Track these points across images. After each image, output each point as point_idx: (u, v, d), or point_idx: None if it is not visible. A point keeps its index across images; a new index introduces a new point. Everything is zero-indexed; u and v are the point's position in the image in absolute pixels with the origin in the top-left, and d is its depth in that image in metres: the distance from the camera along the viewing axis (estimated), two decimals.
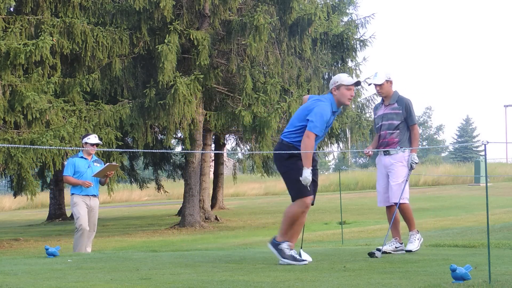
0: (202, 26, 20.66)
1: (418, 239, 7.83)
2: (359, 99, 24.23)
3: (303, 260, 6.87)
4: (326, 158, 76.61)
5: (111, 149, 18.22)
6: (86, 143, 10.48)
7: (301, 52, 21.66)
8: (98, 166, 10.45)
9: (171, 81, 19.09)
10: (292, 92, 21.39)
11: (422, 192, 32.08)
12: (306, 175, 6.76)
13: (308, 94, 21.69)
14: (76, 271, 6.57)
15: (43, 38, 16.61)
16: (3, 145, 15.34)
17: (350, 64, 23.42)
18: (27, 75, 17.23)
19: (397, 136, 7.83)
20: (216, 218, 24.17)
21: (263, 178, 31.66)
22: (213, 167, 29.20)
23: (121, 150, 15.65)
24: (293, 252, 6.91)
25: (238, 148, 30.68)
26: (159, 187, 30.12)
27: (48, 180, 29.80)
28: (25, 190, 17.72)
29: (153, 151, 25.68)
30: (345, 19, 26.13)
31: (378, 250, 7.47)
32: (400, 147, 7.79)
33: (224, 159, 32.41)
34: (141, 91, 20.01)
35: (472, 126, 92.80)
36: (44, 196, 35.76)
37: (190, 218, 21.80)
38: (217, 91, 21.79)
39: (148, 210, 32.78)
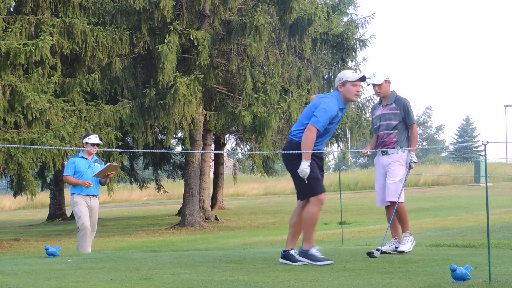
0: (202, 26, 20.66)
1: (410, 241, 7.79)
2: (359, 99, 24.25)
3: (327, 260, 6.81)
4: (326, 158, 76.61)
5: (111, 149, 18.23)
6: (86, 143, 10.47)
7: (301, 52, 21.66)
8: (99, 166, 10.45)
9: (171, 81, 19.09)
10: (292, 92, 21.40)
11: (422, 192, 32.08)
12: (304, 167, 6.73)
13: (308, 94, 21.70)
14: (76, 271, 6.57)
15: (43, 38, 16.61)
16: (3, 145, 15.33)
17: (350, 64, 23.44)
18: (27, 75, 17.23)
19: (395, 136, 7.83)
20: (216, 218, 24.18)
21: (263, 178, 31.66)
22: (213, 167, 29.20)
23: (121, 150, 15.66)
24: (319, 253, 6.83)
25: (238, 148, 30.68)
26: (159, 187, 30.12)
27: (48, 180, 29.80)
28: (25, 190, 17.72)
29: (153, 151, 25.68)
30: (345, 19, 26.14)
31: (378, 250, 7.48)
32: (400, 147, 7.80)
33: (224, 159, 32.41)
34: (141, 91, 20.01)
35: (472, 126, 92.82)
36: (44, 196, 35.77)
37: (190, 218, 21.81)
38: (217, 91, 21.79)
39: (148, 210, 32.78)
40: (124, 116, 19.14)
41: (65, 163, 14.73)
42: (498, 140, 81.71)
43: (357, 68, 23.47)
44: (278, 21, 20.63)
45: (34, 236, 21.56)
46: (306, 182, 6.84)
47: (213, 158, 28.95)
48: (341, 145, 25.61)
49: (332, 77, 23.60)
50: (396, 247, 7.85)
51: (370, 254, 7.37)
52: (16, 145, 9.18)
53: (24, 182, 17.37)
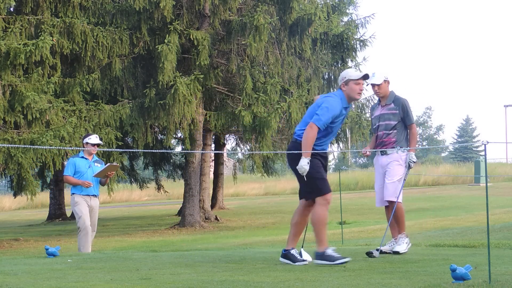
0: (202, 26, 20.67)
1: (406, 243, 7.77)
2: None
3: (345, 258, 6.78)
4: None
5: (111, 149, 18.23)
6: (87, 143, 10.47)
7: (301, 52, 21.66)
8: (99, 166, 10.45)
9: (171, 81, 19.09)
10: (292, 92, 21.40)
11: (422, 192, 32.08)
12: (303, 164, 6.72)
13: (308, 94, 21.71)
14: (76, 271, 6.57)
15: (43, 38, 16.61)
16: (3, 145, 15.34)
17: (350, 64, 23.44)
18: (27, 75, 17.23)
19: (394, 136, 7.83)
20: (216, 218, 24.18)
21: (263, 178, 31.66)
22: (213, 167, 29.20)
23: (121, 150, 15.66)
24: (335, 252, 6.80)
25: (238, 148, 30.68)
26: (159, 187, 30.13)
27: (48, 180, 29.81)
28: (25, 190, 17.72)
29: (153, 151, 25.68)
30: (345, 19, 26.14)
31: (377, 250, 7.48)
32: (400, 147, 7.79)
33: (224, 159, 32.41)
34: (141, 91, 20.02)
35: (472, 126, 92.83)
36: (44, 196, 35.77)
37: (190, 218, 21.81)
38: (217, 91, 21.79)
39: (148, 210, 32.78)
40: (124, 116, 19.14)
41: (65, 163, 14.74)
42: (498, 140, 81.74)
43: (357, 68, 23.46)
44: (278, 21, 20.63)
45: (34, 236, 21.56)
46: (306, 179, 6.83)
47: (213, 158, 28.96)
48: (341, 145, 25.61)
49: (332, 77, 23.61)
50: (406, 244, 7.84)
51: (369, 254, 7.37)
52: (16, 145, 9.18)
53: (24, 182, 17.37)
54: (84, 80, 18.45)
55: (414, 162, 7.82)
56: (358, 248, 8.74)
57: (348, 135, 24.16)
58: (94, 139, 10.50)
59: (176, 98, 18.84)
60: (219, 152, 22.87)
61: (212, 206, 27.33)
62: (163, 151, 25.27)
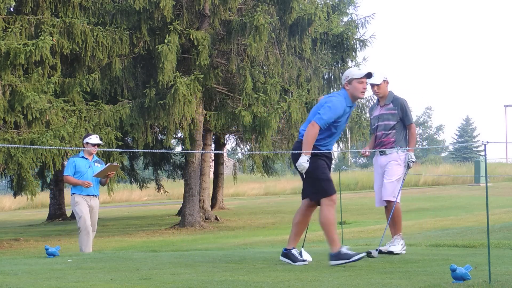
0: (202, 26, 20.67)
1: (401, 245, 7.76)
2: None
3: (359, 253, 6.75)
4: None
5: (111, 149, 18.22)
6: (87, 143, 10.47)
7: (301, 52, 21.66)
8: (99, 167, 10.45)
9: (171, 81, 19.10)
10: (292, 92, 21.40)
11: (422, 192, 32.08)
12: (302, 161, 6.70)
13: (308, 94, 21.72)
14: (76, 271, 6.58)
15: (43, 38, 16.61)
16: (3, 145, 15.33)
17: (350, 64, 23.43)
18: (27, 75, 17.23)
19: (393, 136, 7.83)
20: (216, 218, 24.18)
21: (263, 178, 31.65)
22: (213, 167, 29.21)
23: (121, 150, 15.64)
24: (349, 250, 6.77)
25: (238, 148, 30.69)
26: (159, 187, 30.13)
27: (48, 180, 29.81)
28: (25, 190, 17.72)
29: (153, 151, 25.68)
30: (345, 19, 26.14)
31: (376, 250, 7.48)
32: (400, 147, 7.80)
33: (224, 159, 32.41)
34: (141, 91, 20.02)
35: (472, 126, 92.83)
36: (44, 196, 35.77)
37: (190, 218, 21.81)
38: (217, 91, 21.79)
39: (148, 210, 32.78)
40: (124, 116, 19.14)
41: (65, 163, 14.74)
42: (498, 140, 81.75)
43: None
44: (278, 21, 20.63)
45: (34, 236, 21.56)
46: (305, 177, 6.83)
47: (213, 158, 28.96)
48: (341, 145, 25.61)
49: (332, 77, 23.61)
50: (401, 246, 7.84)
51: (369, 254, 7.37)
52: (16, 145, 9.18)
53: (24, 182, 17.37)
54: (84, 80, 18.45)
55: (413, 162, 7.82)
56: (358, 248, 8.73)
57: (348, 135, 24.16)
58: (94, 139, 10.50)
59: (176, 98, 18.84)
60: (219, 152, 22.84)
61: (212, 206, 27.34)
62: (163, 151, 25.27)
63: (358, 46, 22.39)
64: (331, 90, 23.43)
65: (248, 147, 27.53)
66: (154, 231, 21.81)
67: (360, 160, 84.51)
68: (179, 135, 25.16)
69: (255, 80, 20.56)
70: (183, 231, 21.16)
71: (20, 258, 8.70)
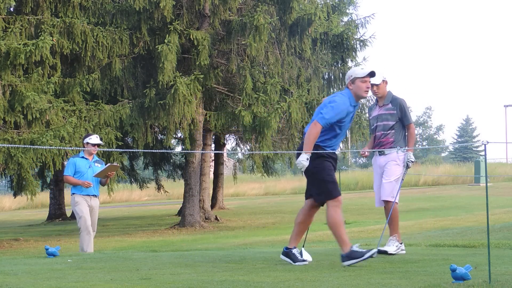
0: (202, 26, 20.67)
1: (396, 246, 7.74)
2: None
3: (371, 250, 6.72)
4: None
5: (111, 149, 18.22)
6: (87, 143, 10.46)
7: (301, 52, 21.66)
8: (99, 167, 10.45)
9: (171, 81, 19.10)
10: (292, 92, 21.40)
11: (422, 192, 32.09)
12: (301, 159, 6.68)
13: (308, 94, 21.72)
14: (76, 271, 6.58)
15: (43, 38, 16.61)
16: (3, 145, 15.34)
17: (350, 64, 23.42)
18: (27, 75, 17.23)
19: (392, 136, 7.84)
20: (216, 218, 24.18)
21: (263, 178, 31.66)
22: (213, 167, 29.21)
23: (121, 150, 15.65)
24: (360, 248, 6.76)
25: (238, 148, 30.69)
26: (159, 187, 30.13)
27: (48, 180, 29.80)
28: (25, 190, 17.72)
29: (153, 151, 25.68)
30: (345, 19, 26.14)
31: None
32: (400, 147, 7.80)
33: (224, 159, 32.42)
34: (141, 91, 20.02)
35: (472, 126, 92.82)
36: (44, 196, 35.77)
37: (190, 218, 21.80)
38: (217, 91, 21.79)
39: (148, 210, 32.78)
40: (124, 116, 19.14)
41: (65, 163, 14.73)
42: (498, 140, 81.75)
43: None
44: (278, 21, 20.63)
45: (34, 236, 21.56)
46: (303, 174, 6.84)
47: (213, 158, 28.96)
48: (341, 145, 25.60)
49: (332, 77, 23.61)
50: (396, 247, 7.85)
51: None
52: (16, 145, 9.18)
53: (24, 182, 17.37)
54: (84, 80, 18.45)
55: (412, 161, 7.82)
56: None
57: (348, 135, 24.17)
58: (94, 139, 10.50)
59: (176, 98, 18.84)
60: (219, 152, 22.87)
61: (212, 206, 27.33)
62: (163, 151, 25.27)
63: (358, 46, 22.39)
64: (331, 90, 23.43)
65: (248, 147, 27.53)
66: (154, 231, 21.80)
67: (360, 160, 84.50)
68: (179, 135, 25.16)
69: (255, 80, 20.56)
70: (183, 231, 21.16)
71: (20, 258, 8.70)
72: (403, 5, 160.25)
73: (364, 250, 6.67)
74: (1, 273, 6.46)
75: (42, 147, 12.75)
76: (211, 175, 27.94)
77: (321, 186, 6.82)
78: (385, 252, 7.61)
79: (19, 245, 19.03)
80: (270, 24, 19.81)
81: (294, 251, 6.94)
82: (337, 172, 7.54)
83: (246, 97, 19.99)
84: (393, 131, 7.82)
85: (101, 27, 19.08)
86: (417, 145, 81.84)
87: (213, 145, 28.51)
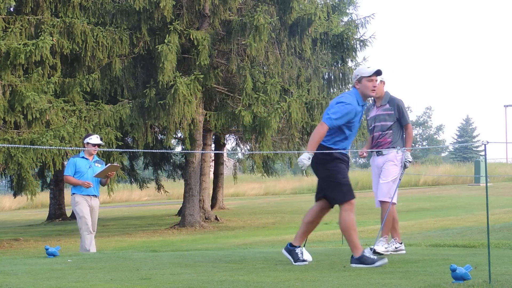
0: (202, 26, 20.67)
1: (385, 247, 7.73)
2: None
3: (383, 259, 6.70)
4: None
5: (111, 149, 18.22)
6: (88, 143, 10.46)
7: (301, 52, 21.67)
8: (99, 167, 10.45)
9: (171, 81, 19.10)
10: (292, 92, 21.40)
11: (422, 192, 32.09)
12: (303, 157, 6.61)
13: (308, 94, 21.72)
14: (76, 271, 6.58)
15: (43, 38, 16.61)
16: (3, 145, 15.34)
17: (350, 64, 23.44)
18: (27, 75, 17.24)
19: (390, 136, 7.84)
20: (216, 218, 24.18)
21: (263, 178, 31.66)
22: (213, 167, 29.21)
23: (121, 150, 15.66)
24: (372, 255, 6.74)
25: (238, 148, 30.69)
26: (159, 187, 30.13)
27: (48, 180, 29.81)
28: (25, 190, 17.72)
29: (153, 151, 25.68)
30: (345, 19, 26.15)
31: (371, 249, 7.46)
32: (400, 148, 7.80)
33: (224, 159, 32.42)
34: (141, 91, 20.02)
35: (472, 126, 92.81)
36: (44, 196, 35.77)
37: (190, 218, 21.81)
38: (217, 91, 21.79)
39: (148, 210, 32.78)
40: (124, 116, 19.15)
41: (65, 163, 14.72)
42: (498, 140, 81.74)
43: (357, 68, 23.43)
44: (278, 21, 20.63)
45: (34, 236, 21.56)
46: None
47: (213, 158, 28.96)
48: None
49: (332, 77, 23.60)
50: (396, 247, 7.85)
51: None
52: (16, 145, 9.18)
53: (24, 182, 17.37)
54: (84, 80, 18.46)
55: (409, 161, 7.82)
56: None
57: None
58: (95, 139, 10.50)
59: (176, 98, 18.85)
60: (219, 152, 22.87)
61: (212, 206, 27.34)
62: (163, 151, 25.28)
63: (358, 46, 22.39)
64: (331, 90, 23.43)
65: (248, 147, 27.53)
66: (154, 231, 21.81)
67: (360, 160, 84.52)
68: (179, 135, 25.16)
69: (255, 80, 20.56)
70: (183, 231, 21.16)
71: (20, 258, 8.70)
72: (403, 5, 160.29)
73: (375, 258, 6.66)
74: (1, 273, 6.46)
75: (42, 147, 12.75)
76: (211, 175, 27.94)
77: (336, 189, 6.76)
78: (374, 251, 7.60)
79: (19, 245, 19.03)
80: (270, 24, 19.81)
81: (298, 250, 6.91)
82: None
83: (246, 97, 20.00)
84: (391, 131, 7.83)
85: (101, 27, 19.08)
86: (417, 145, 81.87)
87: (213, 145, 28.51)
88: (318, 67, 22.91)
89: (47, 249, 8.31)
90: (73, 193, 10.39)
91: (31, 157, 16.50)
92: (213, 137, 26.84)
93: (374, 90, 6.94)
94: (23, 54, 16.27)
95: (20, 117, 16.76)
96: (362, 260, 6.61)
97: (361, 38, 22.51)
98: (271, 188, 43.12)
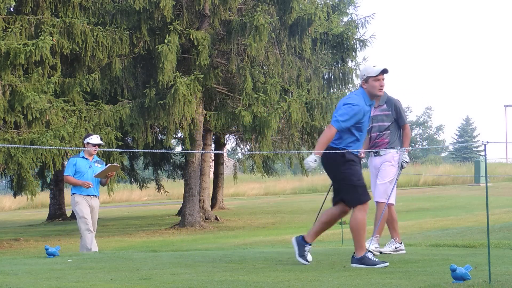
0: (202, 26, 20.67)
1: (375, 247, 7.72)
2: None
3: (383, 262, 6.67)
4: None
5: (111, 149, 18.22)
6: (88, 143, 10.46)
7: (301, 52, 21.67)
8: (99, 167, 10.45)
9: (171, 81, 19.10)
10: (292, 92, 21.40)
11: (422, 192, 32.08)
12: (309, 159, 6.57)
13: (308, 94, 21.72)
14: (76, 271, 6.58)
15: (43, 38, 16.61)
16: (3, 145, 15.34)
17: (350, 64, 23.43)
18: (27, 75, 17.24)
19: (387, 137, 7.84)
20: (216, 218, 24.18)
21: (263, 178, 31.67)
22: (213, 167, 29.21)
23: (121, 150, 15.66)
24: (374, 257, 6.72)
25: (238, 148, 30.70)
26: (159, 187, 30.13)
27: (48, 180, 29.81)
28: (25, 190, 17.72)
29: (153, 151, 25.68)
30: (345, 19, 26.15)
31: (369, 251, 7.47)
32: (399, 148, 7.79)
33: (224, 159, 32.42)
34: (141, 91, 20.02)
35: (472, 126, 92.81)
36: (44, 196, 35.77)
37: (190, 218, 21.81)
38: (217, 91, 21.79)
39: (148, 210, 32.78)
40: (124, 116, 19.15)
41: (65, 163, 14.72)
42: (498, 140, 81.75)
43: (357, 68, 23.44)
44: (278, 21, 20.63)
45: (34, 236, 21.56)
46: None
47: (213, 158, 28.96)
48: None
49: (332, 77, 23.60)
50: (396, 247, 7.85)
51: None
52: (16, 145, 9.18)
53: (24, 182, 17.37)
54: (84, 80, 18.46)
55: (406, 162, 7.83)
56: None
57: None
58: (95, 139, 10.50)
59: (176, 98, 18.85)
60: (219, 152, 22.87)
61: (212, 206, 27.34)
62: (163, 151, 25.28)
63: (358, 46, 22.39)
64: (331, 90, 23.43)
65: (248, 147, 27.53)
66: (154, 231, 21.81)
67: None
68: (179, 135, 25.16)
69: (255, 80, 20.56)
70: (183, 231, 21.16)
71: (20, 258, 8.70)
72: (403, 5, 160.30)
73: (376, 260, 6.65)
74: (1, 273, 6.46)
75: (42, 147, 12.75)
76: (211, 175, 27.94)
77: (351, 192, 6.72)
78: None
79: (19, 245, 19.03)
80: (270, 24, 19.81)
81: (307, 247, 6.88)
82: None
83: (246, 97, 20.00)
84: (388, 131, 7.83)
85: (101, 27, 19.08)
86: (417, 145, 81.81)
87: (213, 145, 28.51)
88: (318, 67, 22.91)
89: (47, 249, 8.31)
90: (73, 193, 10.39)
91: (31, 157, 16.50)
92: (213, 137, 26.84)
93: (382, 90, 6.87)
94: (23, 54, 16.28)
95: (20, 117, 16.76)
96: (363, 261, 6.61)
97: (361, 38, 22.51)
98: (271, 188, 43.12)
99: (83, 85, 18.46)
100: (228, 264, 7.07)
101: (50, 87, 17.20)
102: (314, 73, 22.79)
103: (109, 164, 10.50)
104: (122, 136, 19.50)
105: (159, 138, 24.17)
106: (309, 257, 6.98)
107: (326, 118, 21.01)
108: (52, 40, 17.11)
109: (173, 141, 28.84)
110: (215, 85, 21.18)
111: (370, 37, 22.44)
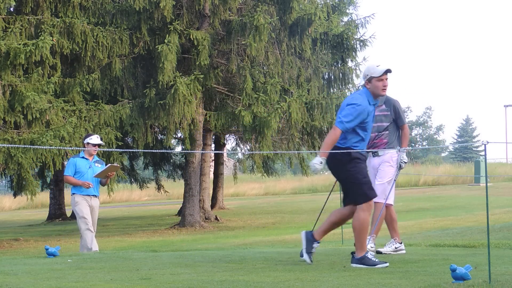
0: (202, 26, 20.67)
1: (371, 247, 7.73)
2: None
3: (383, 263, 6.68)
4: None
5: (111, 149, 18.21)
6: (88, 143, 10.46)
7: (301, 52, 21.67)
8: (99, 167, 10.45)
9: (171, 81, 19.10)
10: (292, 92, 21.40)
11: (422, 192, 32.08)
12: (314, 161, 6.57)
13: (308, 94, 21.72)
14: (76, 271, 6.58)
15: (43, 38, 16.61)
16: (3, 145, 15.35)
17: (350, 64, 23.43)
18: (27, 75, 17.24)
19: (386, 137, 7.84)
20: (216, 218, 24.18)
21: (263, 178, 31.66)
22: (213, 167, 29.21)
23: (121, 150, 15.65)
24: (374, 257, 6.72)
25: (238, 148, 30.69)
26: (159, 187, 30.13)
27: (48, 180, 29.80)
28: (25, 190, 17.72)
29: (153, 151, 25.68)
30: (345, 19, 26.14)
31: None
32: (399, 148, 7.80)
33: (224, 159, 32.41)
34: (141, 91, 20.02)
35: (472, 126, 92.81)
36: (44, 196, 35.76)
37: (190, 218, 21.81)
38: (217, 91, 21.79)
39: (148, 210, 32.78)
40: (124, 116, 19.15)
41: (65, 163, 14.73)
42: (498, 140, 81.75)
43: (357, 68, 23.47)
44: (278, 21, 20.63)
45: (34, 236, 21.56)
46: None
47: (213, 158, 28.96)
48: None
49: (332, 77, 23.60)
50: (396, 247, 7.86)
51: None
52: (16, 145, 9.19)
53: (24, 182, 17.37)
54: (84, 80, 18.46)
55: (405, 162, 7.83)
56: None
57: None
58: (95, 139, 10.50)
59: (176, 98, 18.85)
60: (219, 152, 22.86)
61: (212, 206, 27.33)
62: (163, 151, 25.27)
63: (358, 46, 22.39)
64: (331, 90, 23.43)
65: (248, 147, 27.53)
66: (154, 231, 21.81)
67: None
68: (179, 135, 25.16)
69: (255, 80, 20.56)
70: (183, 231, 21.16)
71: (20, 258, 8.70)
72: (403, 5, 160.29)
73: (376, 260, 6.66)
74: (1, 273, 6.46)
75: (42, 147, 12.76)
76: (211, 175, 27.94)
77: (358, 190, 6.72)
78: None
79: (19, 245, 19.03)
80: (270, 24, 19.81)
81: (315, 245, 6.90)
82: None
83: (246, 97, 20.00)
84: (387, 132, 7.83)
85: (101, 27, 19.09)
86: (417, 145, 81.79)
87: (213, 145, 28.51)
88: (318, 67, 22.91)
89: (47, 249, 8.31)
90: (73, 193, 10.39)
91: (31, 157, 16.50)
92: (213, 137, 26.84)
93: (385, 90, 6.86)
94: (23, 54, 16.28)
95: (20, 117, 16.76)
96: (363, 261, 6.62)
97: (361, 38, 22.52)
98: (271, 188, 43.11)
99: (83, 85, 18.46)
100: (228, 264, 7.07)
101: (50, 87, 17.20)
102: (314, 73, 22.79)
103: (109, 164, 10.50)
104: (122, 136, 19.50)
105: (159, 138, 24.17)
106: (307, 255, 6.98)
107: (326, 118, 21.02)
108: (52, 40, 17.11)
109: (173, 141, 28.84)
110: (215, 85, 21.18)
111: (370, 37, 22.46)
